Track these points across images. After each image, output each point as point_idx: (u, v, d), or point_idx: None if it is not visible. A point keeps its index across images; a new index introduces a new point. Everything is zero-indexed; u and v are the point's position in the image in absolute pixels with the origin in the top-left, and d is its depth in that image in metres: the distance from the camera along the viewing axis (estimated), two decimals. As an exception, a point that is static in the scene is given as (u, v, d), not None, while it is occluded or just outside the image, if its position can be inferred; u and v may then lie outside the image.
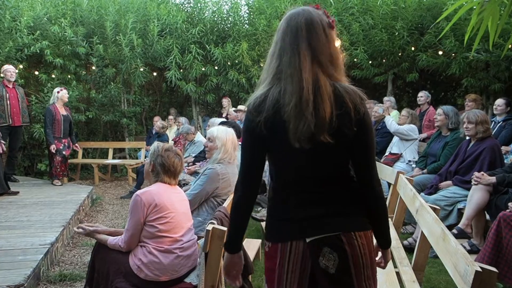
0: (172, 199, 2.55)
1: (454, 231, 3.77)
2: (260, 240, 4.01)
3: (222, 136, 3.36)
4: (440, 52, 7.29)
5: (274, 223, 1.53)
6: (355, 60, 7.74)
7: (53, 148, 6.51)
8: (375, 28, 7.64)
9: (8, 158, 6.84)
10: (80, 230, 2.75)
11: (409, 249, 3.67)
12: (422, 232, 2.70)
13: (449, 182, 4.25)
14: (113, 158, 8.54)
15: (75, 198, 5.60)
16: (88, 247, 4.49)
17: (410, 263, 2.92)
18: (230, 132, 3.40)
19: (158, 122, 7.54)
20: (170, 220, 2.49)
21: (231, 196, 3.20)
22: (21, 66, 7.94)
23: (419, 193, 3.50)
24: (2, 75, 6.41)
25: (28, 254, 3.58)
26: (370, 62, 7.84)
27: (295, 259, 1.46)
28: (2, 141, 5.62)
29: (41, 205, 5.22)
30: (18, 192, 4.82)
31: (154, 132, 7.80)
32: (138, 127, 9.23)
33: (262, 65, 8.28)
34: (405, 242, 3.94)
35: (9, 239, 3.94)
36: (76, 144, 7.06)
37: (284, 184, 1.51)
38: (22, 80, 7.80)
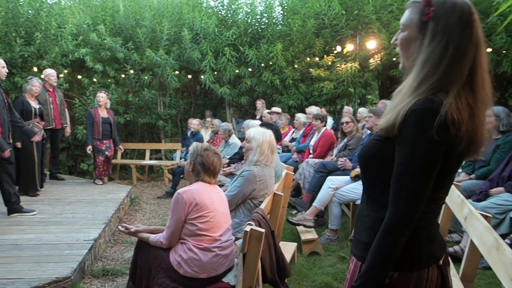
0: (213, 199, 2.61)
1: (507, 241, 3.57)
2: (295, 244, 4.02)
3: (259, 137, 3.38)
4: (489, 49, 6.98)
5: (412, 250, 1.30)
6: (394, 59, 7.58)
7: (89, 149, 6.81)
8: (415, 26, 7.42)
9: (51, 158, 7.17)
10: (123, 229, 2.87)
11: (454, 258, 3.54)
12: (471, 241, 2.55)
13: (501, 188, 3.99)
14: (150, 159, 8.77)
15: (115, 197, 5.81)
16: (128, 244, 4.65)
17: (457, 274, 2.78)
18: (267, 134, 3.41)
19: (194, 120, 7.69)
20: (210, 220, 2.56)
21: (268, 198, 3.23)
22: (65, 71, 8.30)
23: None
24: (45, 79, 6.68)
25: (74, 248, 3.75)
26: None
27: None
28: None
29: (84, 203, 5.46)
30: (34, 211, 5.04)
31: (189, 133, 7.96)
32: (173, 129, 9.45)
33: (296, 66, 8.29)
34: (450, 249, 3.82)
35: (56, 234, 4.15)
36: (120, 146, 7.31)
37: (437, 207, 1.34)
38: (67, 84, 8.15)
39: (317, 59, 8.31)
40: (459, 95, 1.19)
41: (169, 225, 2.58)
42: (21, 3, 7.36)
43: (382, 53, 7.70)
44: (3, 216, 4.70)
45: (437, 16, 1.22)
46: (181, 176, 7.34)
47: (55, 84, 6.83)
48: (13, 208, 4.75)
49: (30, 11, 7.41)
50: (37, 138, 4.51)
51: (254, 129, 3.55)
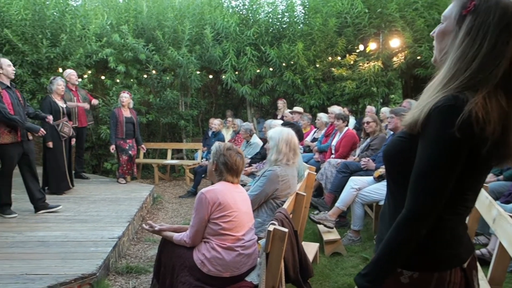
0: (236, 198, 2.61)
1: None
2: (317, 244, 3.99)
3: (275, 136, 3.37)
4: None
5: (435, 250, 1.28)
6: (418, 58, 7.44)
7: (112, 148, 6.92)
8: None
9: (77, 157, 7.33)
10: (148, 227, 2.90)
11: (481, 261, 3.45)
12: (500, 243, 2.50)
13: None
14: (172, 158, 8.86)
15: (138, 196, 5.88)
16: (151, 243, 4.70)
17: (485, 277, 2.71)
18: (284, 132, 3.38)
19: (215, 120, 7.72)
20: (233, 219, 2.55)
21: (291, 198, 3.22)
22: (89, 72, 8.46)
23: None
24: (66, 79, 6.81)
25: (99, 246, 3.82)
26: None
27: None
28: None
29: (108, 201, 5.55)
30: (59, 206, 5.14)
31: (210, 133, 8.00)
32: (194, 129, 9.52)
33: (318, 65, 8.23)
34: (477, 252, 3.72)
35: (82, 231, 4.23)
36: (142, 145, 7.42)
37: (463, 209, 1.30)
38: (91, 85, 8.31)
39: (339, 58, 8.23)
40: (489, 95, 1.15)
41: (193, 224, 2.59)
42: (47, 6, 7.54)
43: (406, 52, 7.56)
44: (30, 214, 4.82)
45: (477, 10, 1.17)
46: (203, 175, 7.39)
47: (76, 83, 6.96)
48: (39, 205, 4.87)
49: (55, 13, 7.58)
50: (41, 133, 4.62)
51: (273, 129, 3.55)
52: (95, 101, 7.33)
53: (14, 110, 4.53)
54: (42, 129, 4.56)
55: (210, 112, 9.97)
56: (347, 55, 8.13)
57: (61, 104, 5.93)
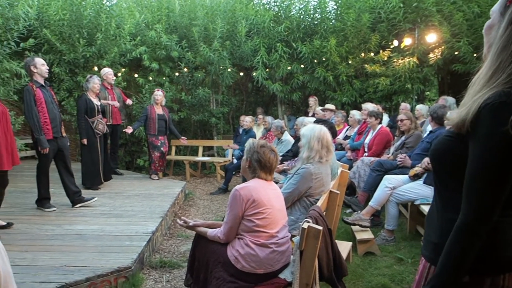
0: (269, 195, 2.60)
1: None
2: (350, 243, 3.93)
3: (307, 133, 3.33)
4: None
5: (488, 253, 1.23)
6: (456, 53, 7.17)
7: (128, 130, 6.95)
8: (482, 16, 6.87)
9: (111, 153, 7.51)
10: (182, 222, 2.92)
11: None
12: None
13: None
14: (203, 155, 8.94)
15: (170, 192, 5.97)
16: (183, 238, 4.76)
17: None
18: (317, 129, 3.34)
19: (246, 118, 7.72)
20: (267, 216, 2.54)
21: (324, 196, 3.17)
22: (123, 70, 8.66)
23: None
24: (103, 77, 6.98)
25: (134, 240, 3.90)
26: (475, 55, 7.04)
27: None
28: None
29: (142, 197, 5.66)
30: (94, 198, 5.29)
31: (241, 130, 8.02)
32: (225, 126, 9.57)
33: (350, 62, 8.10)
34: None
35: (117, 225, 4.33)
36: (183, 137, 7.60)
37: None
38: (125, 83, 8.50)
39: (372, 54, 8.06)
40: None
41: (227, 220, 2.59)
42: (83, 6, 7.75)
43: (443, 47, 7.31)
44: (67, 208, 4.97)
45: None
46: (234, 172, 7.42)
47: (112, 82, 7.13)
48: (75, 199, 5.02)
49: (91, 13, 7.79)
50: (44, 151, 4.73)
51: (306, 126, 3.51)
52: (129, 102, 7.48)
53: (47, 108, 4.67)
54: (47, 149, 4.62)
55: (241, 109, 10.00)
56: (381, 51, 7.94)
57: (96, 102, 6.09)
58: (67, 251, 3.59)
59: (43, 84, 4.74)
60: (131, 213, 4.83)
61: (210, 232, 2.72)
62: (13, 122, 5.86)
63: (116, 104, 6.91)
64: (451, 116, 1.26)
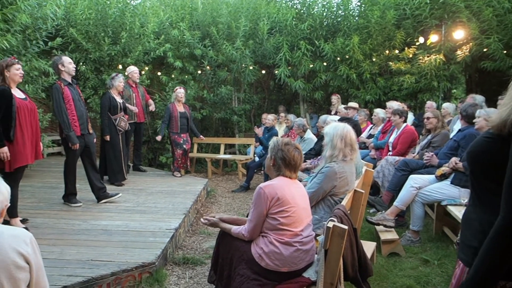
0: (294, 193, 2.58)
1: None
2: (374, 243, 3.86)
3: (330, 131, 3.29)
4: None
5: None
6: (485, 50, 6.95)
7: (159, 138, 7.22)
8: (513, 12, 6.62)
9: (134, 150, 7.63)
10: (206, 221, 2.93)
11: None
12: None
13: None
14: (224, 153, 8.97)
15: (193, 189, 6.01)
16: (206, 235, 4.79)
17: None
18: (339, 128, 3.29)
19: (269, 116, 7.70)
20: (291, 214, 2.52)
21: (349, 195, 3.13)
22: (147, 68, 8.76)
23: None
24: (128, 76, 7.08)
25: (157, 236, 3.94)
26: (505, 52, 6.81)
27: None
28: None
29: (165, 194, 5.72)
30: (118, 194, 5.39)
31: (263, 128, 8.00)
32: (247, 124, 9.57)
33: (374, 59, 7.97)
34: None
35: (141, 221, 4.39)
36: (200, 136, 7.68)
37: None
38: (148, 81, 8.60)
39: (397, 51, 7.91)
40: None
41: (251, 218, 2.58)
42: (109, 5, 7.88)
43: (471, 44, 7.09)
44: (93, 203, 5.07)
45: None
46: (255, 170, 7.42)
47: (137, 80, 7.22)
48: (101, 195, 5.11)
49: (116, 12, 7.91)
50: (75, 147, 4.81)
51: (329, 125, 3.47)
52: (152, 108, 7.52)
53: (75, 105, 4.77)
54: (77, 145, 4.73)
55: (263, 107, 9.98)
56: (406, 48, 7.78)
57: (118, 99, 6.19)
58: (93, 245, 3.66)
59: (71, 82, 4.85)
60: (154, 210, 4.89)
61: (235, 229, 2.71)
62: (41, 119, 6.00)
63: (135, 110, 6.96)
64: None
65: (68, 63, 4.83)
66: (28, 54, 6.16)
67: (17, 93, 4.06)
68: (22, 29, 5.85)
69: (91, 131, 5.06)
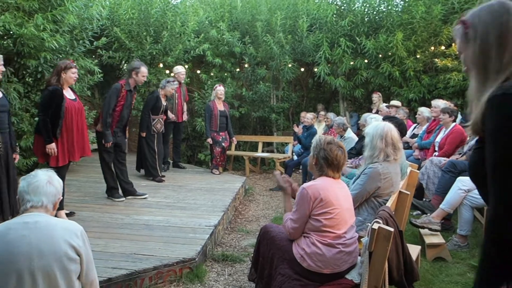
0: (338, 195, 2.51)
1: None
2: (419, 247, 3.72)
3: (370, 131, 3.19)
4: None
5: None
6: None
7: (209, 140, 7.19)
8: None
9: (174, 148, 7.76)
10: (280, 176, 2.88)
11: None
12: None
13: None
14: (262, 151, 8.95)
15: (231, 187, 6.03)
16: (244, 233, 4.79)
17: None
18: (380, 127, 3.17)
19: (308, 114, 7.61)
20: (335, 216, 2.46)
21: (394, 196, 3.02)
22: (186, 66, 8.89)
23: None
24: (174, 76, 7.19)
25: (197, 233, 3.98)
26: None
27: None
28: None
29: (204, 191, 5.77)
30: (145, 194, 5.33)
31: (302, 127, 7.90)
32: (285, 122, 9.50)
33: (419, 56, 7.69)
34: None
35: (181, 218, 4.45)
36: (233, 138, 7.62)
37: None
38: (188, 79, 8.73)
39: (443, 47, 7.58)
40: None
41: (294, 219, 2.54)
42: (151, 5, 8.06)
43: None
44: (134, 199, 5.20)
45: None
46: (293, 169, 7.35)
47: (183, 81, 7.34)
48: (127, 190, 5.23)
49: (158, 12, 8.08)
50: (108, 145, 4.91)
51: (370, 125, 3.38)
52: (185, 117, 7.53)
53: (123, 109, 4.95)
54: (110, 143, 4.87)
55: (301, 105, 9.88)
56: (453, 44, 7.45)
57: (163, 101, 6.35)
58: (136, 239, 3.75)
59: (131, 89, 5.01)
60: (194, 206, 4.94)
61: (286, 215, 2.66)
62: (86, 116, 6.23)
63: (173, 118, 7.05)
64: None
65: (141, 76, 5.06)
66: (75, 53, 6.40)
67: (68, 94, 4.24)
68: (69, 29, 6.08)
69: (127, 135, 5.20)
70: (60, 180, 1.89)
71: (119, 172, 5.19)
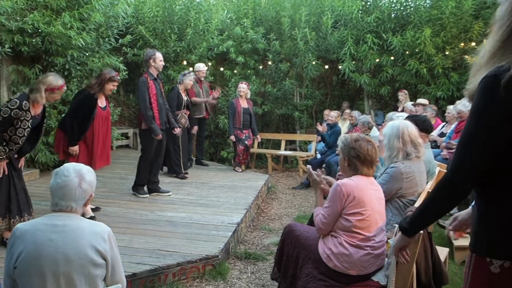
0: (372, 196, 2.44)
1: None
2: (447, 249, 3.61)
3: (387, 131, 3.07)
4: None
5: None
6: None
7: (232, 138, 7.17)
8: None
9: (197, 145, 7.80)
10: (312, 170, 2.84)
11: None
12: None
13: None
14: (285, 149, 8.89)
15: (254, 185, 6.01)
16: (266, 231, 4.76)
17: None
18: (395, 126, 3.04)
19: (332, 112, 7.51)
20: (366, 218, 2.39)
21: (422, 196, 2.92)
22: (210, 64, 8.92)
23: None
24: (196, 73, 7.22)
25: (220, 230, 3.98)
26: None
27: None
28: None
29: (226, 188, 5.77)
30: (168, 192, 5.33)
31: (325, 125, 7.80)
32: (308, 120, 9.41)
33: (447, 53, 7.47)
34: None
35: (204, 215, 4.46)
36: (257, 136, 7.59)
37: None
38: (212, 77, 8.75)
39: (473, 44, 7.33)
40: None
41: (325, 215, 2.48)
42: (175, 2, 8.11)
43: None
44: (158, 195, 5.24)
45: None
46: (316, 167, 7.25)
47: (203, 78, 7.37)
48: (153, 187, 5.27)
49: (182, 9, 8.12)
50: (159, 137, 4.93)
51: (387, 125, 3.26)
52: (215, 94, 7.56)
53: (157, 100, 4.97)
54: (160, 135, 4.92)
55: (325, 103, 9.75)
56: (485, 40, 7.17)
57: (184, 96, 6.36)
58: (159, 236, 3.77)
59: (156, 77, 5.05)
60: (216, 203, 4.95)
61: (317, 210, 2.61)
62: (111, 113, 6.33)
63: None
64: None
65: (159, 60, 5.06)
66: (101, 51, 6.50)
67: (100, 102, 4.30)
68: (96, 27, 6.17)
69: (168, 126, 5.23)
70: (93, 174, 1.86)
71: (152, 168, 5.20)
